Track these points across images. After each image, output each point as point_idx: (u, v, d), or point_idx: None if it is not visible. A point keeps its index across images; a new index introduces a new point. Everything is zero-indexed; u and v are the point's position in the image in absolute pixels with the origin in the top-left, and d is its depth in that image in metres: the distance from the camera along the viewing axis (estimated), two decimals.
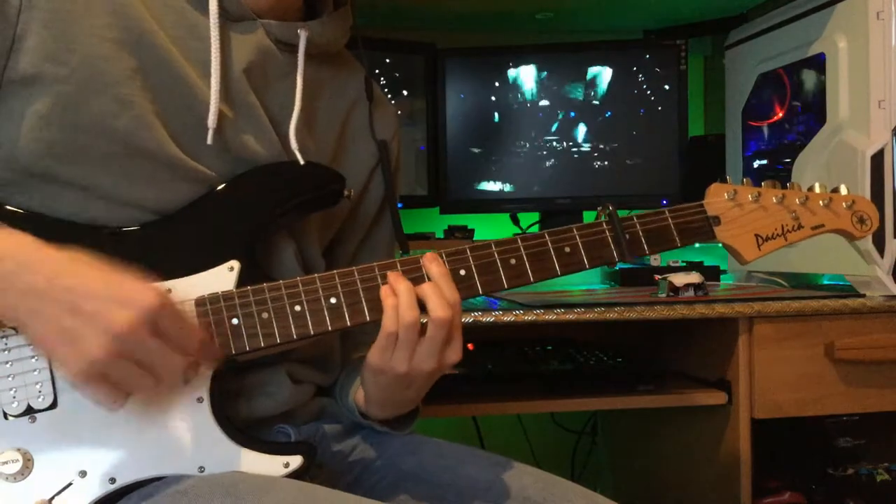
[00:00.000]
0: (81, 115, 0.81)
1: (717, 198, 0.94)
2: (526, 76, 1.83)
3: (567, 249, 0.90)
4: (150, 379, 0.73)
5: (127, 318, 0.70)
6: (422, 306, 0.82)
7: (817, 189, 0.97)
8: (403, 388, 0.87)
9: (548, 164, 1.83)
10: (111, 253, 0.81)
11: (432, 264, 0.84)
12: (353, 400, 0.97)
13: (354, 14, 1.02)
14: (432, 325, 0.81)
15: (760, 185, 0.96)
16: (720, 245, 0.97)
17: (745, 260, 0.95)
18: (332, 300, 0.83)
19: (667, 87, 1.80)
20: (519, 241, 0.89)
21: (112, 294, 0.71)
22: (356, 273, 0.84)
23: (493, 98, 1.83)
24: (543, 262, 0.89)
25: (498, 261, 0.87)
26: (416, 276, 0.84)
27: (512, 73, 1.82)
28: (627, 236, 0.91)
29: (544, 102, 1.83)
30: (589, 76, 1.82)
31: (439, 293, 0.82)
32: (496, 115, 1.83)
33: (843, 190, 0.97)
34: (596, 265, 0.91)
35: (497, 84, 1.83)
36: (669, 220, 0.92)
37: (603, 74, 1.82)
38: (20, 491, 0.76)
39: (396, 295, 0.82)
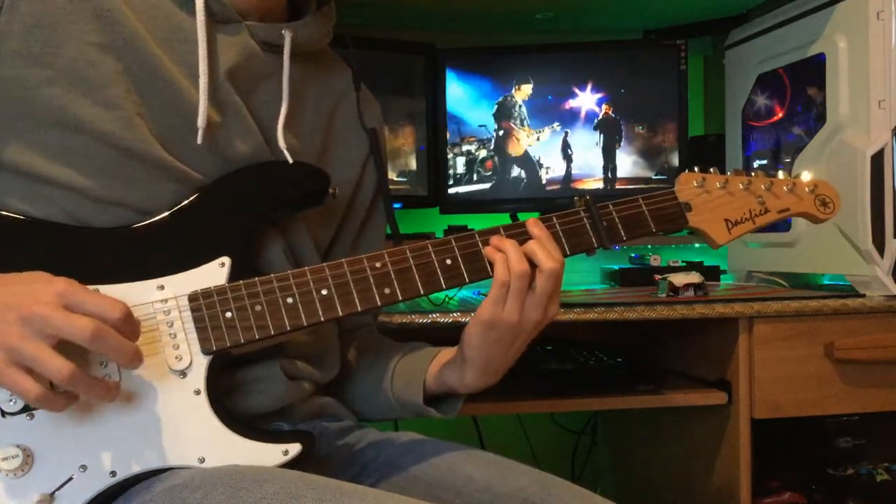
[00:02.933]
0: (68, 118, 0.81)
1: (686, 186, 0.98)
2: (526, 76, 1.83)
3: None
4: (63, 360, 0.70)
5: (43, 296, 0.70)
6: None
7: (780, 176, 1.01)
8: (509, 345, 0.91)
9: (547, 164, 1.83)
10: (102, 252, 0.82)
11: (535, 227, 0.91)
12: (427, 378, 0.98)
13: (339, 12, 1.03)
14: (542, 276, 0.87)
15: (728, 174, 1.00)
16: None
17: (716, 244, 0.98)
18: (324, 291, 0.86)
19: (667, 87, 1.80)
20: (501, 230, 0.91)
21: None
22: (345, 265, 0.87)
23: (493, 98, 1.83)
24: None
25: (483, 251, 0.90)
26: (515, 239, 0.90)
27: (512, 73, 1.82)
28: (605, 223, 0.93)
29: (544, 102, 1.83)
30: (589, 76, 1.82)
31: (545, 248, 0.88)
32: (496, 114, 1.83)
33: (806, 176, 1.01)
34: (576, 252, 0.94)
35: (497, 84, 1.83)
36: (643, 206, 0.96)
37: (603, 74, 1.82)
38: (21, 486, 0.76)
39: (503, 251, 0.88)
